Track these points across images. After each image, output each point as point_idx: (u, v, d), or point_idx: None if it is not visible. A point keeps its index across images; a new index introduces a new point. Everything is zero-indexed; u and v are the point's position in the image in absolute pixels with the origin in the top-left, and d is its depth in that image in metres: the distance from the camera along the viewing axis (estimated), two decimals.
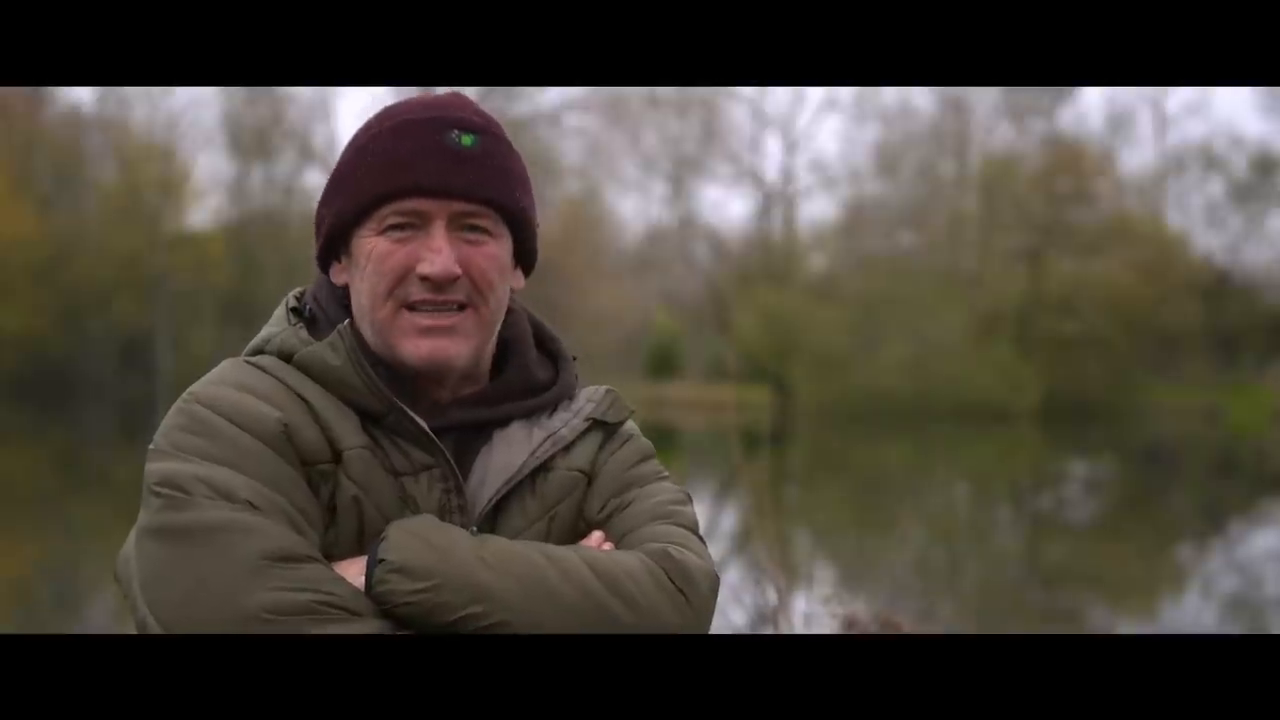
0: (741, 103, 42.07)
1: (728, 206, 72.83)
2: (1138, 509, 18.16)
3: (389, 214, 1.51)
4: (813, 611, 5.04)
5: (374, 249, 1.51)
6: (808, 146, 53.60)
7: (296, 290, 1.65)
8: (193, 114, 36.69)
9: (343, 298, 1.59)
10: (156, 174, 35.62)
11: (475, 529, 1.50)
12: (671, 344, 39.51)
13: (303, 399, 1.48)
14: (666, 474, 1.67)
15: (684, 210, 42.45)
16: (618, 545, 1.55)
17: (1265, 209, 40.51)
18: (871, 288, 36.77)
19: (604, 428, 1.65)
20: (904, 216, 39.59)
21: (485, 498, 1.53)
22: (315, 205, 1.61)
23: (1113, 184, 40.67)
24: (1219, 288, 38.39)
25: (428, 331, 1.51)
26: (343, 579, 1.39)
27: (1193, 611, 10.17)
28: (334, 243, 1.57)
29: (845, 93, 41.25)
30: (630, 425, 1.70)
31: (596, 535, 1.57)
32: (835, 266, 40.38)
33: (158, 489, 1.41)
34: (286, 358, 1.53)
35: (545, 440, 1.58)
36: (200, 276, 34.03)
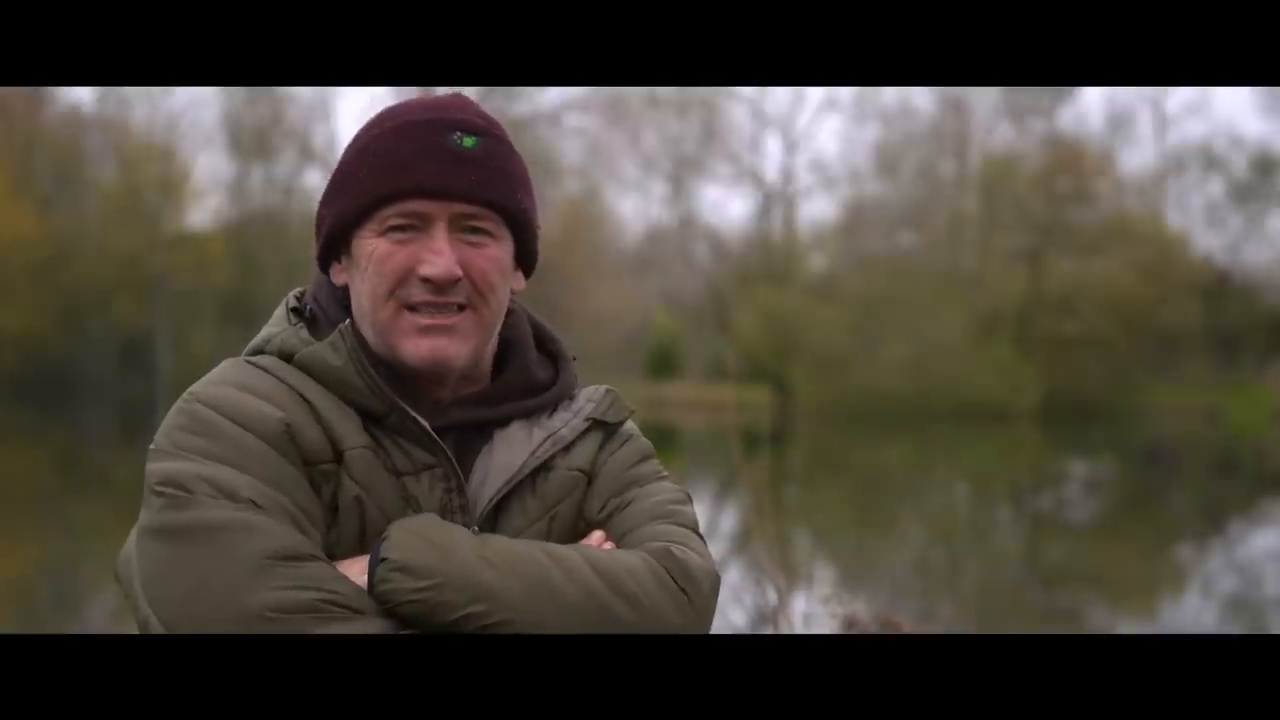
0: (741, 103, 42.15)
1: (728, 206, 72.94)
2: (1138, 509, 18.16)
3: (390, 215, 1.51)
4: (813, 611, 5.04)
5: (375, 250, 1.51)
6: (808, 146, 53.68)
7: (296, 290, 1.65)
8: (193, 114, 36.76)
9: (343, 298, 1.59)
10: (156, 174, 35.63)
11: (477, 528, 1.51)
12: (671, 344, 39.52)
13: (304, 399, 1.48)
14: (666, 474, 1.68)
15: (684, 210, 42.51)
16: (618, 545, 1.56)
17: (1265, 209, 40.55)
18: (871, 288, 36.77)
19: (604, 428, 1.65)
20: (904, 216, 39.61)
21: (486, 497, 1.53)
22: (315, 205, 1.61)
23: (1113, 184, 40.71)
24: (1219, 288, 38.39)
25: (428, 331, 1.51)
26: (345, 578, 1.39)
27: (1193, 611, 10.17)
28: (335, 243, 1.57)
29: (845, 93, 41.32)
30: (630, 425, 1.70)
31: (597, 535, 1.57)
32: (835, 266, 40.41)
33: (159, 488, 1.41)
34: (287, 358, 1.53)
35: (545, 440, 1.59)
36: (200, 276, 34.04)
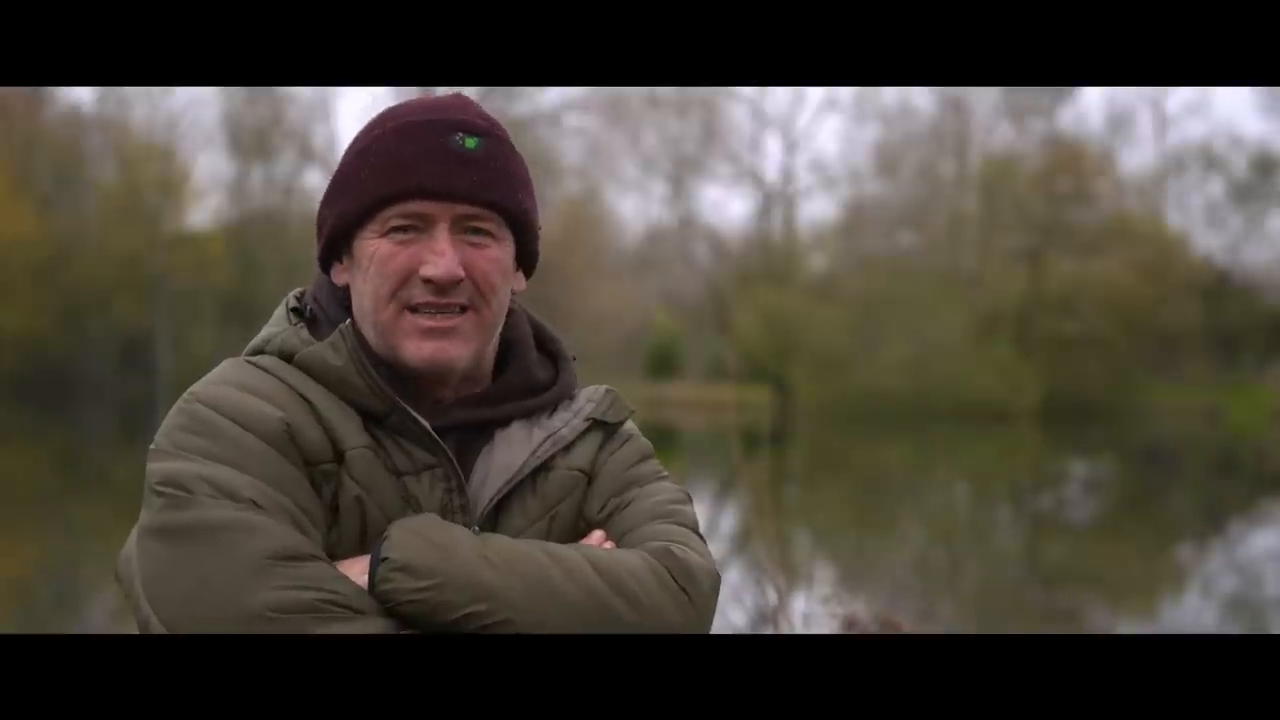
0: (741, 103, 42.14)
1: (728, 206, 72.91)
2: (1138, 509, 18.16)
3: (392, 216, 1.51)
4: (813, 611, 5.04)
5: (377, 251, 1.51)
6: (808, 146, 53.66)
7: (296, 290, 1.65)
8: (193, 114, 36.75)
9: (343, 298, 1.59)
10: (156, 174, 35.62)
11: (477, 528, 1.51)
12: (671, 344, 39.51)
13: (305, 399, 1.48)
14: (666, 474, 1.68)
15: (684, 210, 42.50)
16: (618, 544, 1.56)
17: (1265, 209, 40.54)
18: (871, 288, 36.77)
19: (604, 428, 1.66)
20: (904, 216, 39.60)
21: (487, 497, 1.54)
22: (315, 205, 1.61)
23: (1113, 184, 40.70)
24: (1219, 288, 38.39)
25: (430, 333, 1.51)
26: (346, 578, 1.39)
27: (1193, 611, 10.17)
28: (336, 243, 1.57)
29: (845, 93, 41.31)
30: (630, 425, 1.70)
31: (597, 534, 1.57)
32: (835, 266, 40.40)
33: (160, 488, 1.41)
34: (287, 358, 1.53)
35: (546, 440, 1.59)
36: (200, 276, 34.03)
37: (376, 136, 1.55)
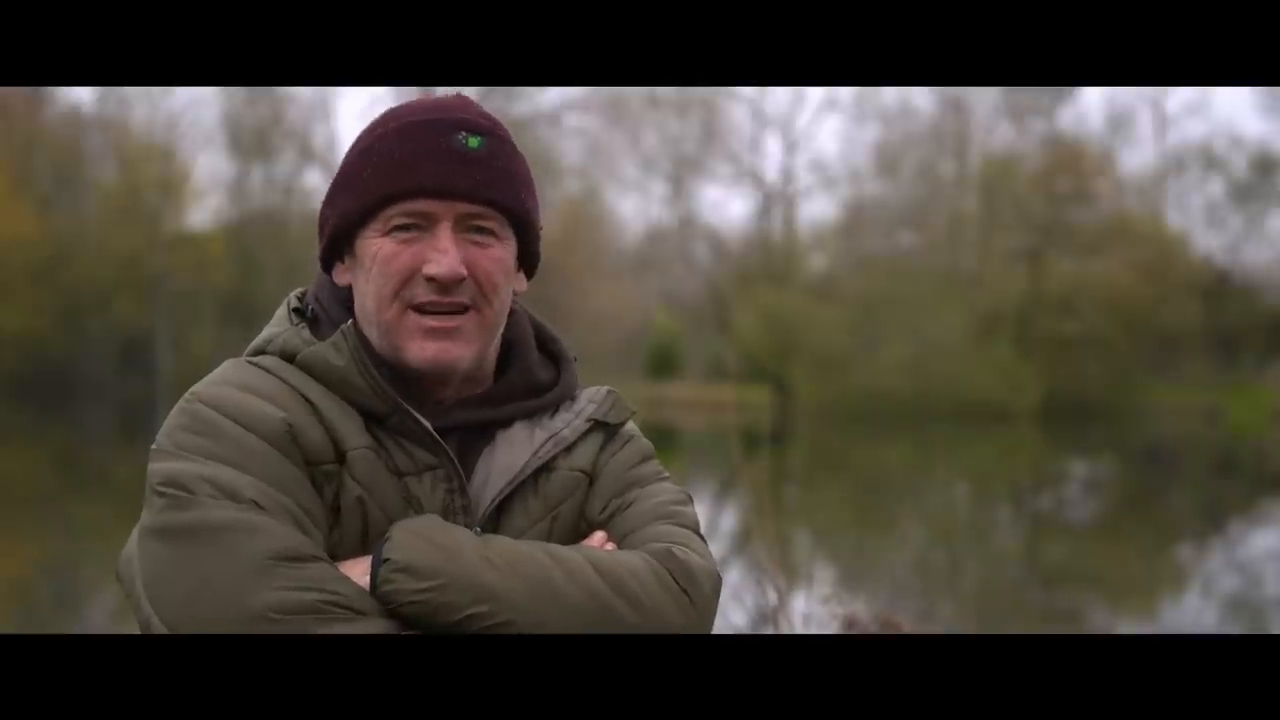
0: (741, 103, 42.13)
1: (728, 206, 72.86)
2: (1138, 509, 18.16)
3: (395, 215, 1.51)
4: (813, 611, 5.03)
5: (379, 250, 1.51)
6: (808, 146, 53.69)
7: (298, 290, 1.65)
8: (193, 114, 36.74)
9: (345, 298, 1.59)
10: (156, 174, 35.62)
11: (479, 529, 1.51)
12: (671, 344, 39.51)
13: (306, 399, 1.48)
14: (667, 474, 1.68)
15: (684, 210, 42.49)
16: (619, 545, 1.56)
17: (1265, 209, 40.54)
18: (871, 288, 36.77)
19: (605, 428, 1.65)
20: (904, 216, 39.60)
21: (488, 498, 1.54)
22: (316, 205, 1.61)
23: (1113, 184, 40.69)
24: (1219, 288, 38.38)
25: (433, 334, 1.51)
26: (348, 578, 1.39)
27: (1193, 611, 10.17)
28: (338, 243, 1.57)
29: (845, 93, 41.30)
30: (631, 426, 1.70)
31: (598, 535, 1.57)
32: (835, 266, 40.39)
33: (161, 489, 1.41)
34: (289, 358, 1.53)
35: (547, 441, 1.59)
36: (200, 276, 34.03)
37: (379, 136, 1.55)
